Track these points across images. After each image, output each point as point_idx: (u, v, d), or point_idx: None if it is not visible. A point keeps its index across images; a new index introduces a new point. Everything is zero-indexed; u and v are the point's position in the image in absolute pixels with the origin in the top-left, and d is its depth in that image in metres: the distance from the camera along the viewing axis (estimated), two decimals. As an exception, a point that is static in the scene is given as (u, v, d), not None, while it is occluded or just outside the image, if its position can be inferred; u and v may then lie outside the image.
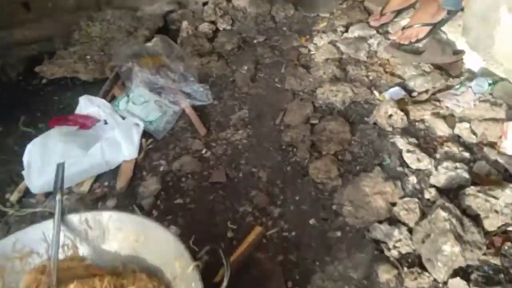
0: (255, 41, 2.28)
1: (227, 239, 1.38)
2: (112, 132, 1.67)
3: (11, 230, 1.55)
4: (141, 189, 1.58)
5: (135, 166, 1.69)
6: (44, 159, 1.55)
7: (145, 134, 1.77)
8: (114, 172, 1.68)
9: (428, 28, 1.92)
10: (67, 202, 1.58)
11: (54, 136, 1.61)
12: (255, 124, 1.78)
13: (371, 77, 1.88)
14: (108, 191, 1.63)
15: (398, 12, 2.15)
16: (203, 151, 1.69)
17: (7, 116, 2.13)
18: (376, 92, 1.79)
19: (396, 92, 1.74)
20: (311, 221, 1.39)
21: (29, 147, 1.58)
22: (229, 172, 1.59)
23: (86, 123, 1.79)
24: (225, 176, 1.57)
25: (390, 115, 1.62)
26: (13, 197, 1.65)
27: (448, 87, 1.74)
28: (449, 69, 1.83)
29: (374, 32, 2.13)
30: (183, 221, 1.46)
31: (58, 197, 1.02)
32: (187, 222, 1.46)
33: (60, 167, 1.08)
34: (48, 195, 1.63)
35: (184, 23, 2.41)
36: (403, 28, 1.98)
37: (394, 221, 1.33)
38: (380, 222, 1.32)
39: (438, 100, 1.68)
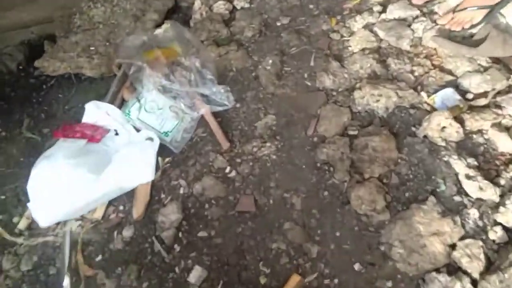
0: (278, 24, 2.00)
1: (260, 286, 1.23)
2: (124, 150, 1.48)
3: (21, 261, 1.43)
4: (160, 218, 1.41)
5: (152, 186, 1.52)
6: (50, 188, 1.38)
7: (162, 148, 1.58)
8: (130, 194, 1.51)
9: (484, 12, 1.63)
10: (80, 230, 1.44)
11: (59, 158, 1.42)
12: (284, 134, 1.57)
13: (416, 73, 1.63)
14: (124, 216, 1.48)
15: (446, -12, 1.84)
16: (227, 170, 1.50)
17: (9, 118, 1.96)
18: (423, 94, 1.54)
19: (448, 95, 1.50)
20: (356, 266, 1.21)
21: (34, 174, 1.40)
22: (258, 197, 1.41)
23: (95, 135, 1.61)
24: (253, 204, 1.39)
25: (444, 127, 1.39)
26: (22, 224, 1.52)
27: (511, 88, 1.48)
28: (510, 63, 1.55)
29: (418, 12, 1.83)
30: (209, 260, 1.31)
31: (66, 282, 0.85)
32: (214, 261, 1.30)
33: (66, 237, 0.90)
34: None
35: (197, 3, 2.13)
36: (454, 10, 1.68)
37: (454, 269, 1.15)
38: (437, 270, 1.15)
39: (500, 106, 1.43)
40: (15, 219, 1.56)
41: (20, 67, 2.25)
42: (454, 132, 1.39)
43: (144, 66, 1.65)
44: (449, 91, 1.50)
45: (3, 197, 1.64)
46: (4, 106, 2.02)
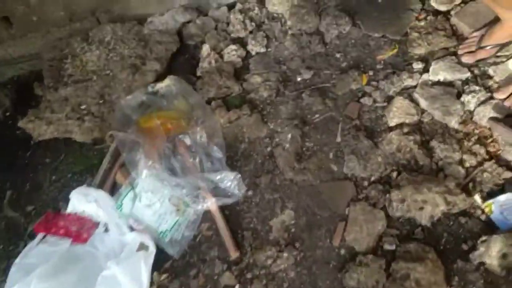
0: (298, 79, 1.71)
1: None
2: (112, 268, 1.24)
3: None
4: None
5: (146, 301, 1.28)
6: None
7: (158, 251, 1.33)
8: (121, 310, 1.28)
9: (556, 88, 1.32)
10: None
11: (33, 281, 1.19)
12: (304, 240, 1.31)
13: (467, 164, 1.33)
14: None
15: (502, 46, 1.50)
16: (235, 290, 1.26)
17: (-10, 184, 1.74)
18: (477, 198, 1.26)
19: (508, 203, 1.20)
20: None
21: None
22: (273, 335, 1.17)
23: (81, 233, 1.38)
24: None
25: (505, 255, 1.12)
26: None
27: None
28: None
29: (468, 74, 1.52)
30: None
31: None
32: None
33: None
34: None
35: (205, 48, 1.84)
36: (517, 81, 1.37)
37: None
38: None
39: None
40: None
41: (7, 114, 2.04)
42: (518, 261, 1.11)
43: (140, 151, 1.40)
44: (510, 198, 1.21)
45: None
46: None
